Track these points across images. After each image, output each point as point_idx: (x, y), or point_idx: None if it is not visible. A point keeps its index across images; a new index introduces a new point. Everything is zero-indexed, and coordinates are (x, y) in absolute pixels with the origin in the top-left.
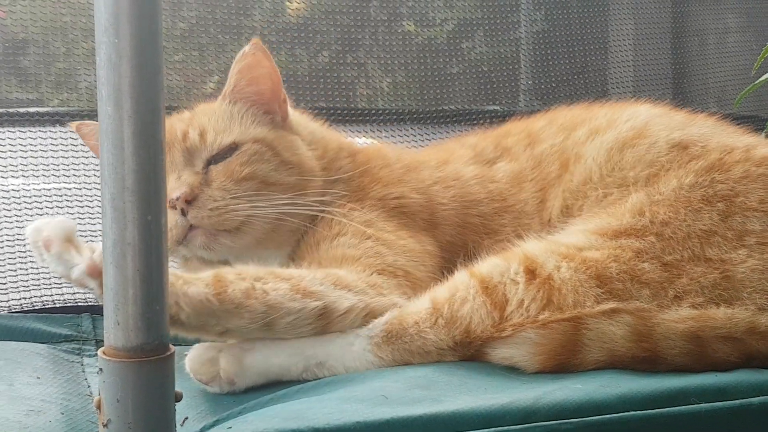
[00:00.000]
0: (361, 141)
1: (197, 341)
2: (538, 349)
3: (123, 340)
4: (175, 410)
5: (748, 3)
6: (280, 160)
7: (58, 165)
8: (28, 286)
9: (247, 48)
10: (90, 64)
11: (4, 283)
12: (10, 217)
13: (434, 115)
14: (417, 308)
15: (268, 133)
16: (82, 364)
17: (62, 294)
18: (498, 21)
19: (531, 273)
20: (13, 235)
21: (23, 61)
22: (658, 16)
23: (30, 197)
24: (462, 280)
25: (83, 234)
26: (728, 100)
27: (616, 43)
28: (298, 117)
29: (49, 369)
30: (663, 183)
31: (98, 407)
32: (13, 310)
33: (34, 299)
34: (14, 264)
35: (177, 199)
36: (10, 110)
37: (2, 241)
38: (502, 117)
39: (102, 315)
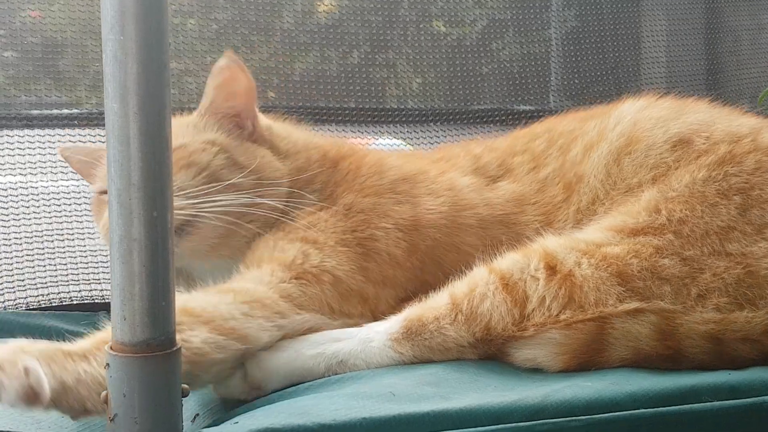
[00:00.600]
0: (389, 143)
1: None
2: (561, 348)
3: (129, 336)
4: (182, 405)
5: None
6: (232, 161)
7: None
8: (45, 283)
9: (222, 62)
10: None
11: (22, 280)
12: (28, 214)
13: (464, 115)
14: (436, 304)
15: (225, 138)
16: None
17: (79, 291)
18: (528, 20)
19: (551, 269)
20: (32, 233)
21: (60, 63)
22: (691, 12)
23: (51, 195)
24: (481, 275)
25: None
26: None
27: (649, 41)
28: (277, 128)
29: None
30: (675, 179)
31: (105, 402)
32: (31, 307)
33: (51, 296)
34: (32, 261)
35: None
36: (47, 112)
37: (20, 239)
38: (532, 117)
39: None
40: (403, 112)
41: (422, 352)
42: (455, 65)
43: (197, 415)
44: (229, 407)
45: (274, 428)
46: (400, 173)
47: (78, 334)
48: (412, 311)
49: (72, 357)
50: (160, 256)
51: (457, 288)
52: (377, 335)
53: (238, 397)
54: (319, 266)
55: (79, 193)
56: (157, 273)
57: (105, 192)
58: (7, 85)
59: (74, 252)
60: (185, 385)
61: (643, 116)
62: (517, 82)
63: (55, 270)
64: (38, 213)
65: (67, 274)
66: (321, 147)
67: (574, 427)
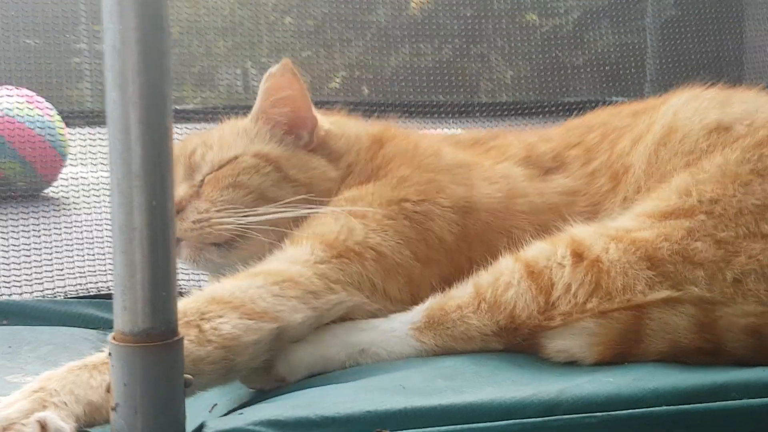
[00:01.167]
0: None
1: None
2: (596, 339)
3: (130, 325)
4: (185, 395)
5: None
6: (283, 176)
7: None
8: (84, 272)
9: (274, 68)
10: (228, 64)
11: (61, 270)
12: (68, 205)
13: (557, 107)
14: (460, 293)
15: (276, 149)
16: None
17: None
18: (624, 9)
19: (578, 256)
20: (71, 223)
21: None
22: None
23: (91, 185)
24: (506, 265)
25: None
26: None
27: (753, 28)
28: (334, 128)
29: (93, 353)
30: (707, 162)
31: (108, 391)
32: (69, 296)
33: (89, 285)
34: (71, 250)
35: None
36: None
37: (60, 229)
38: None
39: None
40: (496, 106)
41: (445, 341)
42: (548, 57)
43: (215, 405)
44: (247, 397)
45: (277, 420)
46: (457, 159)
47: (111, 323)
48: (435, 301)
49: (98, 369)
50: (160, 245)
51: (482, 278)
52: (400, 325)
53: (260, 388)
54: (362, 242)
55: None
56: (158, 263)
57: None
58: None
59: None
60: (188, 376)
61: (684, 108)
62: (612, 73)
63: (93, 259)
64: (78, 203)
65: (104, 263)
66: (371, 133)
67: (589, 423)
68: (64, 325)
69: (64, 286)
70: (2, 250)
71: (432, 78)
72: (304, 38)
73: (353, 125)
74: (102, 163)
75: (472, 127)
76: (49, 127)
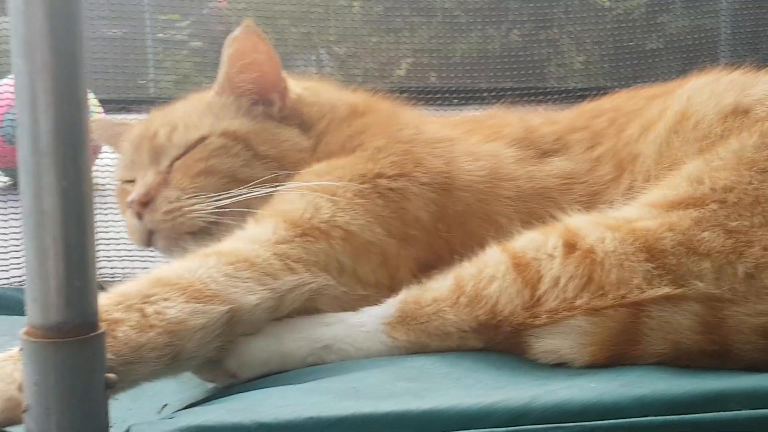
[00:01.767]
0: None
1: None
2: (588, 338)
3: (41, 318)
4: (107, 397)
5: None
6: (253, 153)
7: None
8: None
9: (237, 31)
10: (302, 50)
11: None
12: None
13: None
14: (438, 285)
15: (245, 124)
16: None
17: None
18: None
19: (570, 246)
20: None
21: None
22: None
23: None
24: (492, 256)
25: None
26: None
27: None
28: (307, 93)
29: None
30: (722, 148)
31: (21, 390)
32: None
33: None
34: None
35: (131, 202)
36: None
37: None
38: None
39: None
40: (565, 92)
41: (418, 337)
42: (620, 41)
43: (165, 405)
44: (201, 395)
45: (206, 426)
46: (440, 134)
47: None
48: (410, 293)
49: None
50: (73, 230)
51: (465, 269)
52: (370, 319)
53: (214, 383)
54: (329, 221)
55: None
56: (70, 250)
57: (127, 180)
58: (195, 73)
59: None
60: (111, 375)
61: (699, 92)
62: (685, 57)
63: None
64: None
65: None
66: (349, 102)
67: None
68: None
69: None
70: None
71: (500, 64)
72: (371, 25)
73: (329, 92)
74: None
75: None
76: None
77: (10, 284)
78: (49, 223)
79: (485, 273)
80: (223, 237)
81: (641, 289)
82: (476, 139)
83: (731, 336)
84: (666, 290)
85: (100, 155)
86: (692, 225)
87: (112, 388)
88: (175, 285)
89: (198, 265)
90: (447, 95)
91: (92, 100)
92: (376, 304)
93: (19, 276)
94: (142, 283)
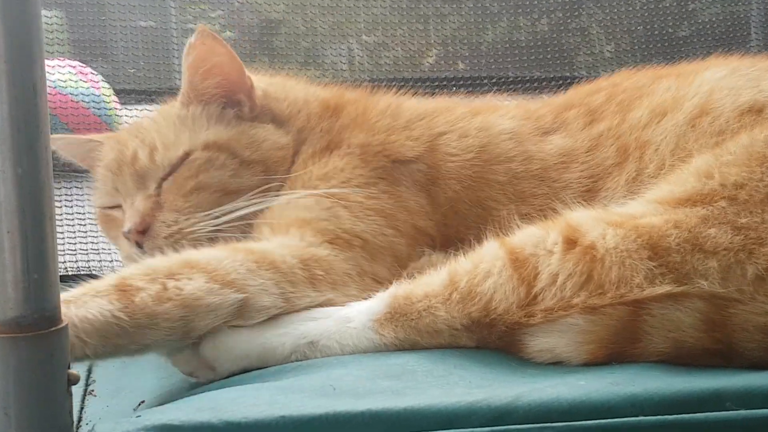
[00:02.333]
0: None
1: None
2: (586, 337)
3: None
4: (70, 394)
5: None
6: (239, 161)
7: None
8: None
9: (193, 38)
10: (331, 41)
11: None
12: None
13: None
14: (431, 280)
15: (223, 132)
16: None
17: (76, 262)
18: None
19: (570, 243)
20: None
21: (274, 40)
22: None
23: None
24: (489, 250)
25: None
26: None
27: None
28: (272, 89)
29: None
30: (732, 143)
31: None
32: None
33: None
34: None
35: (129, 231)
36: None
37: None
38: None
39: None
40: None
41: (407, 334)
42: (651, 29)
43: (142, 402)
44: (179, 393)
45: (173, 425)
46: (417, 111)
47: None
48: (401, 288)
49: None
50: (29, 221)
51: (460, 264)
52: (358, 315)
53: (193, 376)
54: (350, 230)
55: None
56: (27, 241)
57: (110, 207)
58: None
59: (72, 221)
60: (73, 372)
61: (720, 86)
62: (717, 45)
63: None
64: None
65: (63, 243)
66: (320, 97)
67: None
68: None
69: None
70: None
71: (529, 52)
72: (399, 13)
73: (298, 87)
74: None
75: None
76: (96, 100)
77: None
78: (3, 213)
79: (480, 268)
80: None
81: (641, 288)
82: (461, 110)
83: (736, 334)
84: (668, 288)
85: None
86: (699, 222)
87: (75, 384)
88: (202, 268)
89: (226, 255)
90: (475, 83)
91: (106, 90)
92: None
93: None
94: (172, 261)
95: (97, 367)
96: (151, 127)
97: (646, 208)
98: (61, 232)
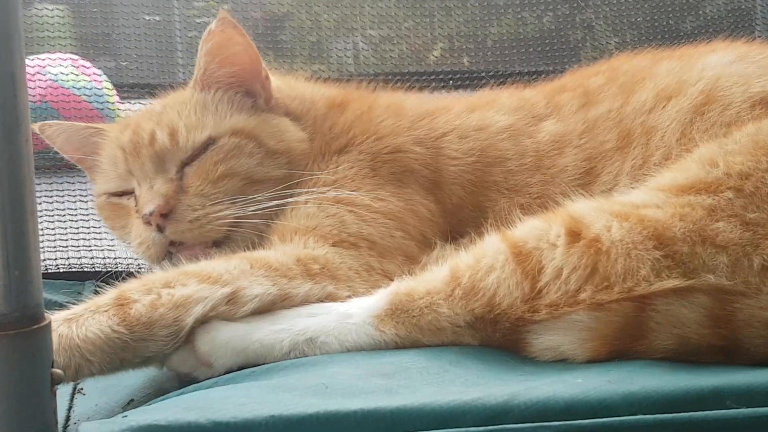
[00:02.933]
0: None
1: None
2: (591, 334)
3: None
4: (54, 394)
5: None
6: (265, 150)
7: None
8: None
9: (213, 25)
10: (336, 36)
11: None
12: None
13: None
14: (433, 276)
15: (248, 120)
16: None
17: (67, 258)
18: None
19: (574, 235)
20: None
21: (279, 35)
22: None
23: None
24: (491, 245)
25: None
26: None
27: None
28: (287, 86)
29: None
30: (738, 132)
31: None
32: None
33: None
34: None
35: (151, 214)
36: None
37: None
38: None
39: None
40: None
41: (409, 331)
42: (656, 24)
43: (132, 400)
44: (166, 392)
45: (159, 425)
46: (418, 111)
47: (56, 305)
48: (402, 284)
49: None
50: (9, 218)
51: (461, 259)
52: (358, 311)
53: (189, 373)
54: (356, 234)
55: None
56: (7, 237)
57: (118, 193)
58: None
59: (63, 217)
60: (57, 371)
61: (727, 72)
62: (722, 38)
63: (41, 234)
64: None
65: (54, 240)
66: (326, 96)
67: None
68: None
69: None
70: None
71: (534, 47)
72: (405, 8)
73: (305, 87)
74: None
75: None
76: (96, 94)
77: None
78: None
79: (483, 263)
80: (243, 242)
81: (649, 282)
82: (458, 109)
83: (741, 330)
84: (675, 282)
85: None
86: (706, 215)
87: (59, 383)
88: (195, 275)
89: (221, 262)
90: (480, 78)
91: (105, 83)
92: None
93: None
94: (169, 273)
95: None
96: (167, 110)
97: (648, 196)
98: (44, 229)
